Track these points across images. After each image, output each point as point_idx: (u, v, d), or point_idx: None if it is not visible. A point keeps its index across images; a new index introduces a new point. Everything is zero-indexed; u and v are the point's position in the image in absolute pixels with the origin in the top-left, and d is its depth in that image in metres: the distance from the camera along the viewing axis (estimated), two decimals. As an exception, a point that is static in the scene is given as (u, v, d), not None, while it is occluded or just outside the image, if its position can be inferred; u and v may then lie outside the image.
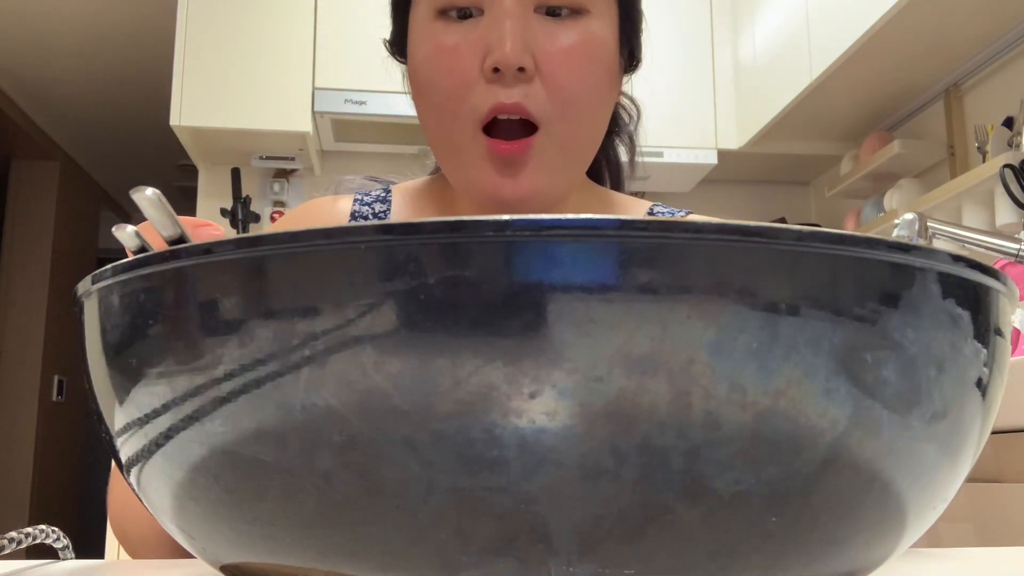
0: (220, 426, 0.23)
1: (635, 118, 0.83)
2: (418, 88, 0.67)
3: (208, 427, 0.23)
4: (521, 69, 0.62)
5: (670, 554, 0.22)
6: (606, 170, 0.85)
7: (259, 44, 2.59)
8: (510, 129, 0.63)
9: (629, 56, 0.73)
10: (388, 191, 0.80)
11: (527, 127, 0.64)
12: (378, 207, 0.77)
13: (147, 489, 0.27)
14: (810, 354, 0.21)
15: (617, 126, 0.82)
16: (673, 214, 0.79)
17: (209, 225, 0.47)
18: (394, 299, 0.21)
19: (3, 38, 3.46)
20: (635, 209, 0.80)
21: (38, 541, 0.37)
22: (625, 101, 0.81)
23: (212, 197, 2.87)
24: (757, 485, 0.22)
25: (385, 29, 0.72)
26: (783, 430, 0.22)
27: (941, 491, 0.26)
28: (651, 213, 0.79)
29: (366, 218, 0.74)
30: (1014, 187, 1.85)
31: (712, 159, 2.71)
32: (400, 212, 0.77)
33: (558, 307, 0.20)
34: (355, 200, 0.78)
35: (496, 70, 0.62)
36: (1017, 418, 1.03)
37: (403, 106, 2.53)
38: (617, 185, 0.85)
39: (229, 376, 0.22)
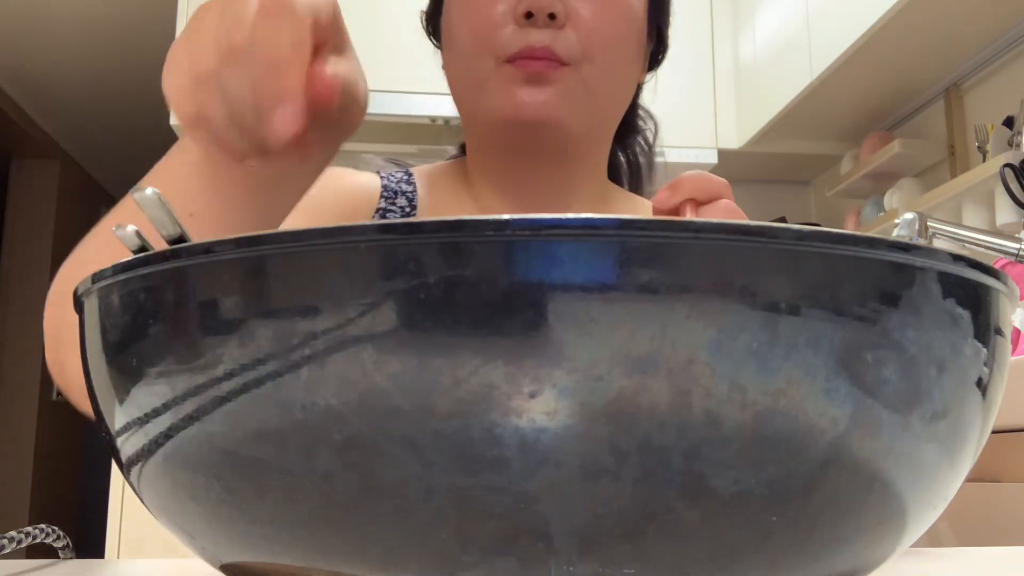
0: (220, 426, 0.23)
1: (653, 128, 0.86)
2: (448, 35, 0.70)
3: (208, 427, 0.23)
4: (552, 16, 0.65)
5: (670, 554, 0.22)
6: (625, 171, 0.87)
7: (259, 44, 2.58)
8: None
9: (657, 39, 0.76)
10: (410, 173, 0.81)
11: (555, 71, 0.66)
12: (404, 186, 0.79)
13: (147, 489, 0.27)
14: (810, 354, 0.21)
15: (636, 128, 0.85)
16: None
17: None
18: (394, 298, 0.21)
19: (3, 38, 3.46)
20: (649, 209, 0.81)
21: (38, 541, 0.37)
22: (643, 111, 0.85)
23: (212, 197, 2.86)
24: (757, 485, 0.22)
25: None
26: (783, 430, 0.22)
27: (941, 491, 0.26)
28: None
29: (395, 193, 0.78)
30: (1014, 187, 1.85)
31: (712, 159, 2.70)
32: (424, 193, 0.79)
33: (558, 307, 0.20)
34: (381, 176, 0.79)
35: (529, 15, 0.65)
36: (1017, 418, 1.03)
37: (403, 106, 2.55)
38: (636, 187, 0.86)
39: (229, 376, 0.22)
